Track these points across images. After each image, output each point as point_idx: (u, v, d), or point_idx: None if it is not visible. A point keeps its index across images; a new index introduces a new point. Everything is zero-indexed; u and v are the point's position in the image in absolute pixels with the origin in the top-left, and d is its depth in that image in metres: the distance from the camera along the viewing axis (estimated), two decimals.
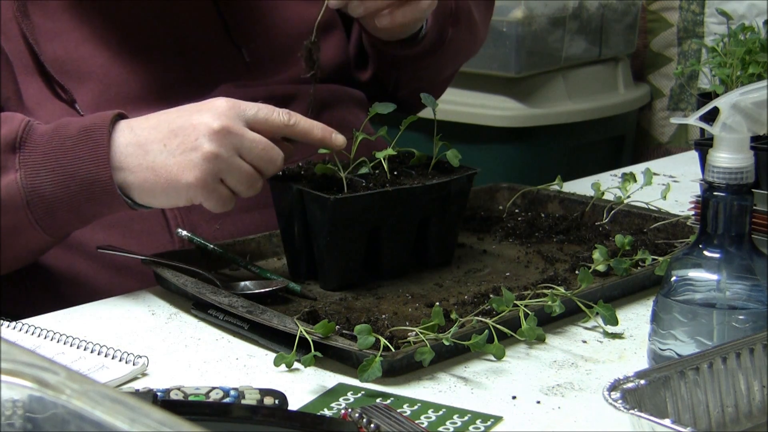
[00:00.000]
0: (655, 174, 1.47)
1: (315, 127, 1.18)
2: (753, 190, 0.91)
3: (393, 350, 0.97)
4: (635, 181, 1.38)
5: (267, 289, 1.14)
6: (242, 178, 1.14)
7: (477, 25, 1.50)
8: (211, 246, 1.23)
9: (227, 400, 0.89)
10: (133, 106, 1.25)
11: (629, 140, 2.98)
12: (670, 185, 1.39)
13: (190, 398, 0.89)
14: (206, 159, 1.12)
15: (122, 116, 1.18)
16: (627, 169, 1.51)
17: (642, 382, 0.81)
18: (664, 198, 1.37)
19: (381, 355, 0.96)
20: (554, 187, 1.46)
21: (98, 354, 1.02)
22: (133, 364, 1.00)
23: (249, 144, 1.13)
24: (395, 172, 1.22)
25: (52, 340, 1.06)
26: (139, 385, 0.97)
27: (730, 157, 0.89)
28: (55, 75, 1.27)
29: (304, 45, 1.23)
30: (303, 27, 1.42)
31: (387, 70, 1.47)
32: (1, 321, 1.11)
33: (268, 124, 1.15)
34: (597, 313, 1.09)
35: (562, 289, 1.10)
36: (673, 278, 0.93)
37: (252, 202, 1.31)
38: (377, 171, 1.21)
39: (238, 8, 1.37)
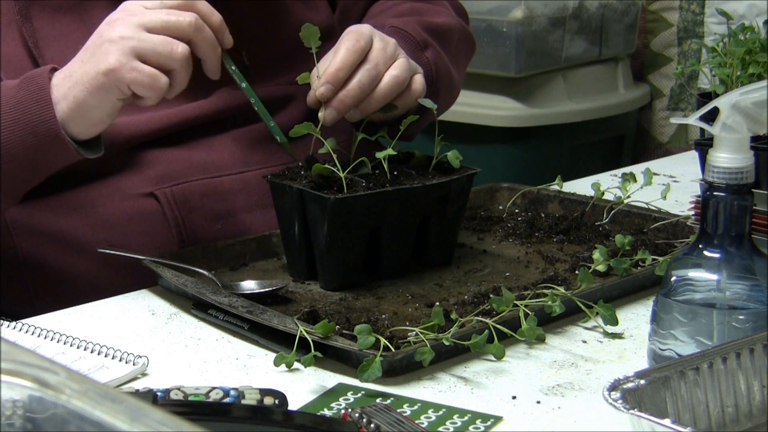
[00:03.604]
0: (655, 174, 1.47)
1: (215, 15, 1.21)
2: (753, 190, 0.91)
3: (393, 350, 0.97)
4: (635, 181, 1.38)
5: (267, 289, 1.14)
6: (157, 47, 1.17)
7: (456, 85, 1.49)
8: (244, 85, 1.26)
9: (227, 400, 0.89)
10: (133, 108, 1.25)
11: (629, 140, 2.98)
12: (670, 185, 1.39)
13: (190, 398, 0.89)
14: (113, 42, 1.17)
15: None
16: (627, 169, 1.51)
17: (642, 382, 0.81)
18: (664, 198, 1.37)
19: (381, 355, 0.96)
20: (554, 187, 1.46)
21: (98, 354, 1.02)
22: (133, 364, 1.00)
23: (151, 16, 1.18)
24: (395, 172, 1.21)
25: (52, 340, 1.06)
26: (139, 385, 0.97)
27: (730, 157, 0.89)
28: None
29: (305, 158, 1.23)
30: None
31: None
32: (1, 321, 1.11)
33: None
34: (597, 313, 1.09)
35: (562, 289, 1.10)
36: (673, 278, 0.93)
37: (252, 202, 1.31)
38: (377, 171, 1.21)
39: (238, 11, 1.37)
